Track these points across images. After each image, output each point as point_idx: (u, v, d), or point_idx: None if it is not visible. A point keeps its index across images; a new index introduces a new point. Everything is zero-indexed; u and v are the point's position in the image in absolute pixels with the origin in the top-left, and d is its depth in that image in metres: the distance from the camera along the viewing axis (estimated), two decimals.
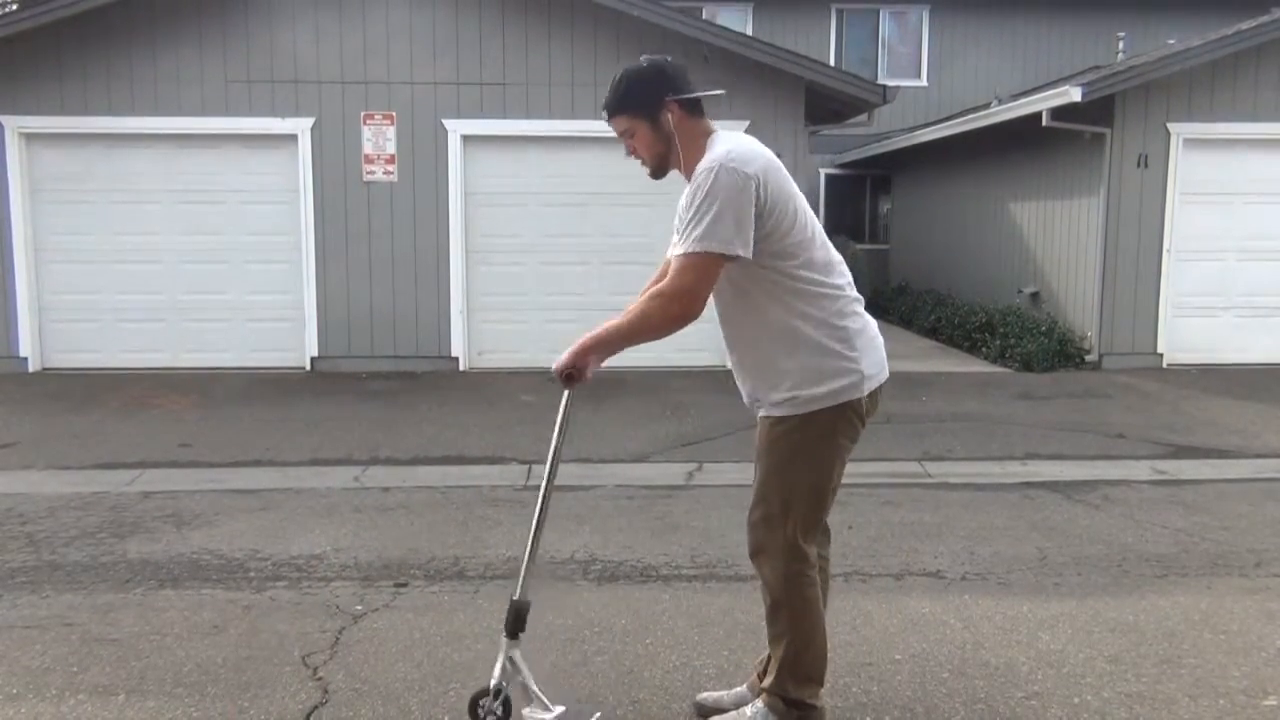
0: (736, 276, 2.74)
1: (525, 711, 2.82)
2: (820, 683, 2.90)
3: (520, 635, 2.83)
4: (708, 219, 2.60)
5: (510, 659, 2.82)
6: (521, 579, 2.86)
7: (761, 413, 2.88)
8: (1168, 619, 3.94)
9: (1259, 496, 5.80)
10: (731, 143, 2.72)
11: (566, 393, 2.81)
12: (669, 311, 2.65)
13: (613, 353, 2.74)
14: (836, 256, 2.85)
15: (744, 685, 3.13)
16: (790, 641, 2.84)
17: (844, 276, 2.84)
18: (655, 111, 2.77)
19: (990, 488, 5.99)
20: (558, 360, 2.71)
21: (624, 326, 2.68)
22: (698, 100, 2.80)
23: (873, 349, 2.85)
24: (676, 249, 2.68)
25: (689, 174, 2.78)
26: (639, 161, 2.88)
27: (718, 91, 2.90)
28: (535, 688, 2.84)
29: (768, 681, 2.90)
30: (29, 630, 3.83)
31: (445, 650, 3.65)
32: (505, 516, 5.35)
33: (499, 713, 2.82)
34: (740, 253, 2.63)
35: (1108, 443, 7.20)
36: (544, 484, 2.88)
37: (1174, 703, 3.24)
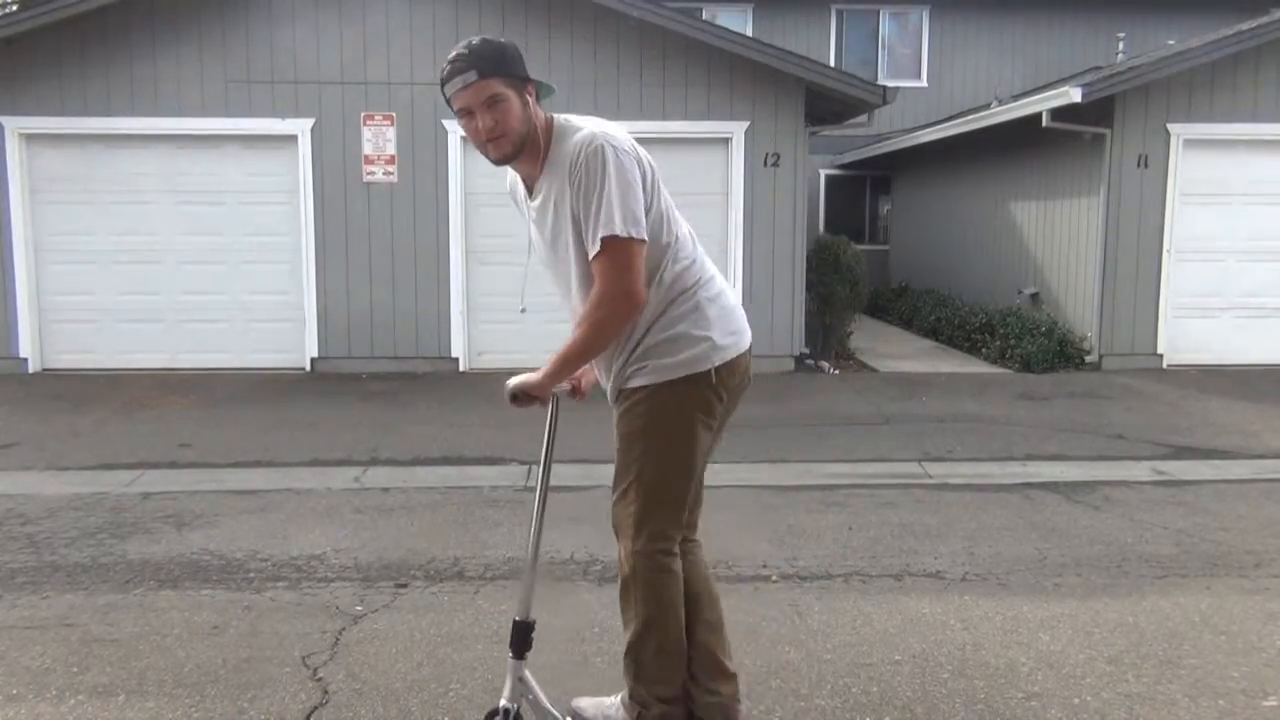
0: (582, 258, 2.60)
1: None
2: (667, 683, 2.75)
3: (527, 655, 2.79)
4: (616, 202, 2.46)
5: (519, 678, 2.77)
6: (523, 597, 2.81)
7: (613, 390, 2.78)
8: (1168, 619, 3.94)
9: (1259, 497, 5.80)
10: (591, 122, 2.59)
11: (551, 408, 2.78)
12: (618, 311, 2.52)
13: (574, 371, 2.71)
14: (688, 228, 2.77)
15: None
16: (635, 628, 2.73)
17: (698, 248, 2.77)
18: (523, 85, 2.57)
19: (990, 488, 5.98)
20: (514, 380, 2.62)
21: (578, 345, 2.57)
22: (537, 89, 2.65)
23: (726, 318, 2.72)
24: (592, 245, 2.50)
25: (536, 163, 2.63)
26: (488, 139, 2.56)
27: (552, 85, 2.72)
28: (547, 704, 2.81)
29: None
30: (29, 630, 3.83)
31: (445, 651, 3.65)
32: (505, 517, 5.35)
33: None
34: (644, 236, 2.52)
35: (1108, 443, 7.20)
36: (538, 497, 2.82)
37: (1174, 703, 3.24)
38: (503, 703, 2.77)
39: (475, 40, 2.58)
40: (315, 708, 3.21)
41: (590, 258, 2.55)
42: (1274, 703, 3.26)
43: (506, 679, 2.80)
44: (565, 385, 2.80)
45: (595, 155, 2.48)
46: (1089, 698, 3.28)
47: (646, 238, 2.54)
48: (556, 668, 3.49)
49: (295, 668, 3.50)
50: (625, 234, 2.47)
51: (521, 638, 2.78)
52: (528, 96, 2.58)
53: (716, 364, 2.67)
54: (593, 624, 3.87)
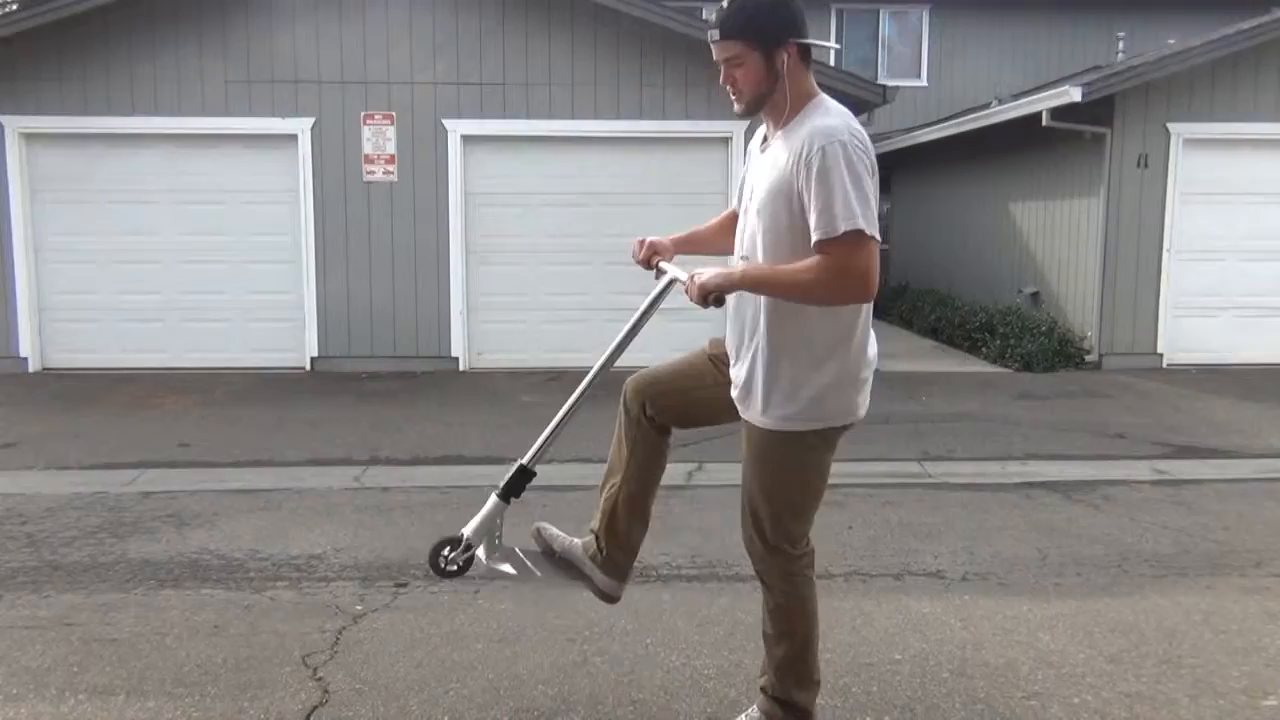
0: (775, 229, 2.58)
1: (487, 561, 2.92)
2: (819, 686, 2.89)
3: (512, 500, 2.87)
4: (863, 197, 2.41)
5: (494, 520, 2.90)
6: (537, 447, 2.88)
7: (765, 423, 2.82)
8: (1168, 619, 3.94)
9: (1259, 496, 5.80)
10: (847, 116, 2.56)
11: (663, 283, 2.77)
12: (848, 290, 2.44)
13: (760, 293, 2.58)
14: None
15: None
16: (792, 643, 2.80)
17: None
18: (774, 48, 2.51)
19: (990, 488, 5.98)
20: (704, 277, 2.53)
21: (784, 278, 2.48)
22: (809, 50, 2.59)
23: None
24: (840, 223, 2.38)
25: (781, 125, 2.60)
26: (730, 91, 2.61)
27: (834, 45, 2.85)
28: (522, 555, 2.95)
29: (767, 683, 2.85)
30: (29, 630, 3.83)
31: (445, 650, 3.65)
32: (505, 516, 5.34)
33: (459, 564, 2.88)
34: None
35: (1108, 443, 7.20)
36: (600, 363, 2.91)
37: (1174, 703, 3.24)
38: (466, 532, 2.88)
39: None
40: (315, 707, 3.22)
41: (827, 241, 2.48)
42: (1274, 702, 3.26)
43: (479, 514, 2.89)
44: (680, 274, 2.74)
45: (849, 149, 2.44)
46: (1089, 697, 3.28)
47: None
48: (556, 667, 3.49)
49: (295, 667, 3.51)
50: (872, 234, 2.44)
51: (517, 482, 2.85)
52: (782, 56, 2.52)
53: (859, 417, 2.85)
54: (593, 624, 3.87)
